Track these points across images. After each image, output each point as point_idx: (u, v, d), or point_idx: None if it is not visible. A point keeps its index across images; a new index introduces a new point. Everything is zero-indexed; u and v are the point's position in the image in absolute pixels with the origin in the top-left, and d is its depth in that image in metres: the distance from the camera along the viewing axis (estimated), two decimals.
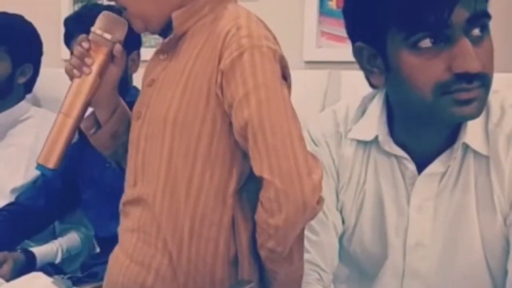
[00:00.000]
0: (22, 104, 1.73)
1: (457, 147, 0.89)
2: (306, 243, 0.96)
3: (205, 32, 1.00)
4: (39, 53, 1.74)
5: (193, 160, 0.98)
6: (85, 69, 1.01)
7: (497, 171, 0.88)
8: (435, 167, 0.91)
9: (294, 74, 1.82)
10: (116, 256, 1.06)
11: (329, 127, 1.01)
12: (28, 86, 1.75)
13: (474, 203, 0.90)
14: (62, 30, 1.59)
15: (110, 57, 1.03)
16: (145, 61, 1.22)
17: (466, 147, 0.90)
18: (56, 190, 1.59)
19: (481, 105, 0.83)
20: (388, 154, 0.95)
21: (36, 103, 1.86)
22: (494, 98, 0.91)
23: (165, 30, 1.04)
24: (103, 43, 1.02)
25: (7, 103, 1.70)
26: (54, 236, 1.67)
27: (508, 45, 1.62)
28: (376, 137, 0.94)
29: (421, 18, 0.79)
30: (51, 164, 0.99)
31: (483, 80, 0.82)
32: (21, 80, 1.71)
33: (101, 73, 1.03)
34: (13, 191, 1.62)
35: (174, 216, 0.99)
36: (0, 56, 1.64)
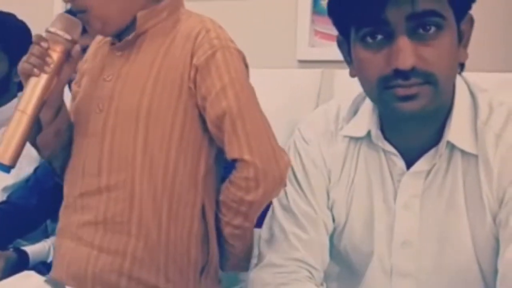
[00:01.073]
0: (15, 102, 1.72)
1: (442, 146, 0.90)
2: (296, 242, 0.97)
3: (168, 33, 1.12)
4: None
5: (168, 147, 1.08)
6: (46, 68, 1.05)
7: (486, 169, 0.89)
8: (420, 165, 0.92)
9: (287, 73, 1.84)
10: (74, 250, 1.11)
11: (320, 126, 1.01)
12: (21, 85, 1.74)
13: (463, 202, 0.91)
14: None
15: (67, 57, 1.07)
16: None
17: (452, 145, 0.90)
18: (48, 189, 1.58)
19: (426, 102, 0.84)
20: (378, 151, 0.95)
21: None
22: (482, 97, 0.92)
23: (119, 32, 1.13)
24: (62, 42, 1.06)
25: (1, 102, 1.69)
26: (46, 234, 1.67)
27: (505, 45, 1.63)
28: (368, 133, 0.95)
29: (359, 14, 0.83)
30: (7, 160, 1.00)
31: (427, 77, 0.83)
32: (17, 78, 1.70)
33: (58, 72, 1.07)
34: (4, 189, 1.62)
35: (153, 198, 1.07)
36: None
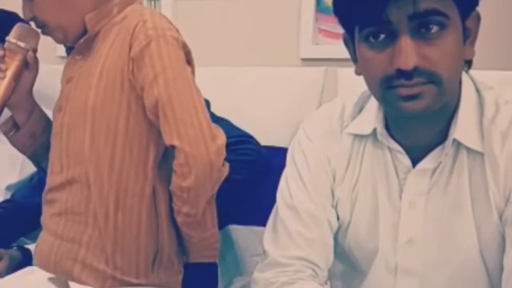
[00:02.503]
0: None
1: (448, 144, 0.89)
2: (300, 240, 0.96)
3: (115, 29, 1.16)
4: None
5: (114, 140, 1.12)
6: (0, 74, 1.15)
7: (492, 167, 0.88)
8: (426, 163, 0.91)
9: (290, 71, 1.83)
10: (44, 240, 1.20)
11: (324, 124, 1.01)
12: None
13: (469, 200, 0.90)
14: None
15: (25, 64, 1.18)
16: None
17: (458, 143, 0.90)
18: None
19: (430, 102, 0.84)
20: (383, 148, 0.95)
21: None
22: (488, 95, 0.92)
23: (81, 37, 1.19)
24: (18, 50, 1.16)
25: None
26: None
27: (506, 43, 1.62)
28: (373, 131, 0.94)
29: (362, 14, 0.83)
30: None
31: (430, 77, 0.82)
32: None
33: (16, 78, 1.17)
34: (8, 188, 1.63)
35: (100, 189, 1.13)
36: None
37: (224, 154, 1.10)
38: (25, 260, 1.49)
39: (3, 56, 1.15)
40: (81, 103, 1.14)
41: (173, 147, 1.09)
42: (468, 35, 0.87)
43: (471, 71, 0.94)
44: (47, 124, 1.26)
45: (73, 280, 1.14)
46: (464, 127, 0.89)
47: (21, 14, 1.70)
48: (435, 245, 0.93)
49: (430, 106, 0.84)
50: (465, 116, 0.89)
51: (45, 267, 1.18)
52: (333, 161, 0.98)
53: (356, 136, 0.97)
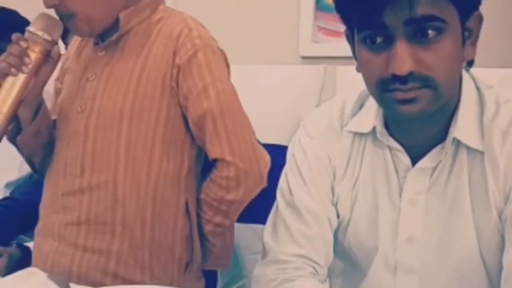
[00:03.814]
0: None
1: (448, 143, 0.89)
2: (300, 238, 0.97)
3: (150, 32, 1.12)
4: None
5: (152, 147, 1.09)
6: (24, 68, 1.05)
7: (492, 166, 0.88)
8: (426, 161, 0.91)
9: (290, 69, 1.83)
10: (57, 250, 1.11)
11: (324, 121, 1.01)
12: None
13: (468, 199, 0.90)
14: None
15: (46, 57, 1.08)
16: None
17: (458, 142, 0.90)
18: None
19: (425, 105, 0.84)
20: (383, 147, 0.95)
21: None
22: (488, 94, 0.92)
23: (104, 32, 1.14)
24: (41, 43, 1.06)
25: None
26: None
27: (504, 41, 1.62)
28: (373, 130, 0.94)
29: (359, 17, 0.83)
30: None
31: (425, 82, 0.82)
32: None
33: (36, 72, 1.07)
34: (8, 185, 1.62)
35: (136, 198, 1.08)
36: None
37: (268, 168, 1.11)
38: (24, 257, 1.49)
39: (26, 48, 1.05)
40: (116, 106, 1.09)
41: (220, 160, 1.07)
42: (469, 36, 0.86)
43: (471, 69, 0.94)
44: (50, 121, 1.20)
45: None
46: (464, 126, 0.89)
47: (22, 12, 1.72)
48: (435, 243, 0.93)
49: (425, 110, 0.85)
50: (466, 115, 0.89)
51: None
52: (333, 159, 0.99)
53: (356, 134, 0.98)
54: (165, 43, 1.09)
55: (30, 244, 1.55)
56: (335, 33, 1.83)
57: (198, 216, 1.14)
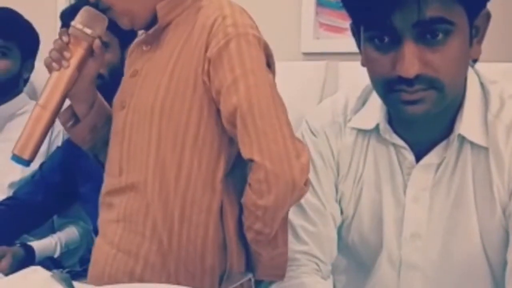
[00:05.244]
0: (21, 97, 1.74)
1: (453, 139, 0.89)
2: (304, 235, 0.96)
3: (189, 22, 1.03)
4: (38, 48, 1.75)
5: (181, 148, 1.01)
6: (64, 63, 1.02)
7: (497, 162, 0.88)
8: (430, 158, 0.91)
9: (292, 66, 1.82)
10: (100, 248, 1.07)
11: (328, 118, 1.00)
12: (26, 81, 1.76)
13: (472, 195, 0.90)
14: (58, 24, 1.58)
15: (90, 51, 1.04)
16: None
17: (462, 138, 0.89)
18: (54, 184, 1.59)
19: (430, 107, 0.84)
20: (387, 144, 0.95)
21: (35, 97, 1.86)
22: (492, 89, 0.91)
23: (149, 24, 1.06)
24: (83, 37, 1.03)
25: (8, 96, 1.70)
26: (52, 230, 1.67)
27: (508, 34, 1.61)
28: (376, 126, 0.94)
29: (367, 18, 0.83)
30: (27, 155, 1.00)
31: (432, 83, 0.82)
32: (26, 75, 1.73)
33: (80, 67, 1.04)
34: (11, 185, 1.62)
35: (164, 202, 1.01)
36: (13, 51, 1.65)
37: (308, 172, 0.96)
38: (28, 257, 1.50)
39: (68, 43, 1.02)
40: (148, 102, 1.02)
41: (251, 160, 0.96)
42: (476, 34, 0.86)
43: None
44: (108, 116, 1.14)
45: None
46: (469, 122, 0.88)
47: (23, 11, 1.72)
48: (439, 239, 0.93)
49: (430, 111, 0.84)
50: (470, 111, 0.89)
51: (99, 280, 1.05)
52: (336, 156, 0.98)
53: (360, 130, 0.97)
54: (198, 34, 1.01)
55: (33, 244, 1.55)
56: (336, 29, 1.82)
57: (241, 222, 1.04)
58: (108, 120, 1.12)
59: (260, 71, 0.99)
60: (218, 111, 1.00)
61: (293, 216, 0.98)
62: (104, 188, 1.09)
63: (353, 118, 0.98)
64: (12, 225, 1.56)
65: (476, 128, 0.89)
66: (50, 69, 1.03)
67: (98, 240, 1.09)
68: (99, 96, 1.12)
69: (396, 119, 0.93)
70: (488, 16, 0.86)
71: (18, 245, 1.51)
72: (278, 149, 0.95)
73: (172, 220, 1.01)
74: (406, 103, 0.83)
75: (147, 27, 1.07)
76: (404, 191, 0.94)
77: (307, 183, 0.95)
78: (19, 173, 1.63)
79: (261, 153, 0.94)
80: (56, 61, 1.02)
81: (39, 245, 1.56)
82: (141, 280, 1.03)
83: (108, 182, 1.08)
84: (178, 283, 1.02)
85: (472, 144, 0.89)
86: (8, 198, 1.60)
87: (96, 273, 1.06)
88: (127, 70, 1.11)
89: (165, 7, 1.05)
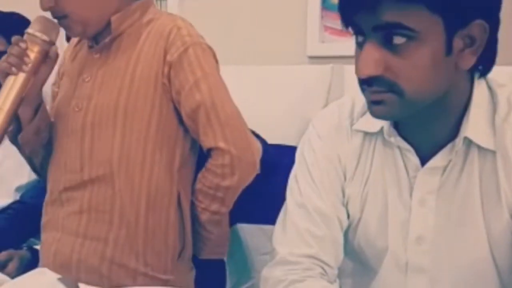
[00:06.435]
0: None
1: (459, 142, 0.89)
2: (310, 238, 0.96)
3: (142, 32, 1.17)
4: None
5: (145, 141, 1.15)
6: (24, 67, 1.12)
7: (505, 166, 0.88)
8: (436, 161, 0.91)
9: (297, 69, 1.83)
10: (59, 240, 1.18)
11: (334, 121, 1.00)
12: None
13: (479, 198, 0.90)
14: None
15: (44, 57, 1.15)
16: None
17: (469, 141, 0.89)
18: None
19: (392, 110, 0.84)
20: (392, 146, 0.95)
21: None
22: (501, 92, 0.90)
23: (98, 34, 1.20)
24: (40, 44, 1.12)
25: None
26: None
27: (509, 38, 1.61)
28: (382, 129, 0.94)
29: (341, 17, 0.85)
30: None
31: (390, 87, 0.82)
32: None
33: (35, 71, 1.13)
34: (18, 189, 1.63)
35: (131, 190, 1.15)
36: None
37: (260, 155, 1.17)
38: (35, 260, 1.50)
39: (25, 49, 1.12)
40: (111, 103, 1.15)
41: (213, 149, 1.13)
42: (472, 44, 0.83)
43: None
44: (49, 120, 1.25)
45: (102, 277, 1.15)
46: (475, 125, 0.88)
47: (28, 15, 1.73)
48: (445, 242, 0.92)
49: (394, 114, 0.85)
50: (477, 114, 0.88)
51: (65, 267, 1.16)
52: (343, 159, 0.98)
53: (366, 133, 0.97)
54: (156, 42, 1.15)
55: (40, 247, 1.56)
56: (342, 33, 1.82)
57: (193, 206, 1.21)
58: (49, 124, 1.24)
59: (216, 74, 1.17)
60: (175, 109, 1.15)
61: (300, 219, 0.98)
62: (59, 185, 1.20)
63: (359, 121, 0.98)
64: (19, 229, 1.57)
65: (483, 131, 0.89)
66: (8, 73, 1.12)
67: (54, 234, 1.20)
68: (43, 100, 1.23)
69: (400, 121, 0.93)
70: (484, 29, 0.82)
71: (25, 248, 1.51)
72: (240, 136, 1.14)
73: (139, 206, 1.15)
74: (372, 103, 0.86)
75: (94, 37, 1.20)
76: (410, 194, 0.93)
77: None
78: (26, 177, 1.64)
79: (226, 141, 1.12)
80: (15, 66, 1.11)
81: None
82: (112, 261, 1.16)
83: (66, 178, 1.19)
84: (146, 262, 1.18)
85: (479, 147, 0.89)
86: (15, 202, 1.61)
87: (61, 262, 1.17)
88: (74, 75, 1.21)
89: (119, 19, 1.17)
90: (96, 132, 1.16)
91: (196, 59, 1.14)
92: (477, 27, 0.82)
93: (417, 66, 0.81)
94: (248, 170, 1.15)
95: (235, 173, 1.14)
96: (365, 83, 0.84)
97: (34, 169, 1.30)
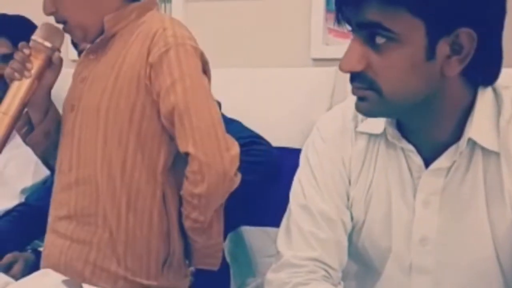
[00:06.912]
0: None
1: (463, 143, 0.89)
2: (314, 241, 0.96)
3: (133, 33, 1.17)
4: None
5: (126, 143, 1.14)
6: (26, 73, 1.15)
7: (509, 167, 0.88)
8: (440, 162, 0.91)
9: (301, 72, 1.83)
10: (53, 242, 1.20)
11: (338, 124, 1.00)
12: None
13: (483, 199, 0.90)
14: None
15: (48, 63, 1.17)
16: None
17: (473, 143, 0.89)
18: None
19: (372, 106, 0.86)
20: (396, 148, 0.95)
21: None
22: (505, 94, 0.90)
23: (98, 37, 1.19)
24: (43, 50, 1.16)
25: None
26: None
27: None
28: (385, 131, 0.94)
29: (335, 12, 0.87)
30: None
31: (370, 84, 0.84)
32: None
33: (39, 77, 1.16)
34: (23, 191, 1.64)
35: (112, 192, 1.14)
36: None
37: (237, 164, 1.11)
38: (39, 262, 1.51)
39: (29, 55, 1.15)
40: (94, 104, 1.15)
41: (187, 154, 1.10)
42: (459, 52, 0.82)
43: None
44: (60, 122, 1.26)
45: (84, 281, 1.13)
46: (480, 127, 0.88)
47: (34, 18, 1.73)
48: (449, 244, 0.92)
49: (374, 111, 0.87)
50: (481, 116, 0.88)
51: (55, 269, 1.15)
52: (347, 162, 0.98)
53: (371, 136, 0.97)
54: (141, 43, 1.14)
55: None
56: (346, 35, 1.81)
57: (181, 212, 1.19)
58: (59, 125, 1.25)
59: (196, 76, 1.12)
60: (158, 111, 1.13)
61: (303, 222, 0.98)
62: (55, 187, 1.22)
63: (363, 123, 0.98)
64: (23, 231, 1.57)
65: (487, 132, 0.89)
66: (11, 79, 1.15)
67: (49, 236, 1.22)
68: (54, 104, 1.24)
69: (403, 122, 0.93)
70: (471, 38, 0.81)
71: (30, 251, 1.52)
72: (210, 142, 1.09)
73: (119, 207, 1.14)
74: (358, 99, 0.87)
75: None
76: (414, 195, 0.93)
77: (237, 174, 1.11)
78: (30, 179, 1.65)
79: (196, 146, 1.08)
80: (18, 72, 1.14)
81: None
82: (95, 264, 1.16)
83: (58, 180, 1.21)
84: (126, 266, 1.16)
85: (483, 148, 0.89)
86: (20, 204, 1.61)
87: (51, 264, 1.17)
88: (76, 76, 1.23)
89: (112, 20, 1.17)
90: (83, 133, 1.17)
91: (176, 61, 1.10)
92: (464, 35, 0.81)
93: (395, 67, 0.83)
94: (218, 178, 1.08)
95: (204, 180, 1.08)
96: (350, 78, 0.86)
97: (51, 171, 1.31)
